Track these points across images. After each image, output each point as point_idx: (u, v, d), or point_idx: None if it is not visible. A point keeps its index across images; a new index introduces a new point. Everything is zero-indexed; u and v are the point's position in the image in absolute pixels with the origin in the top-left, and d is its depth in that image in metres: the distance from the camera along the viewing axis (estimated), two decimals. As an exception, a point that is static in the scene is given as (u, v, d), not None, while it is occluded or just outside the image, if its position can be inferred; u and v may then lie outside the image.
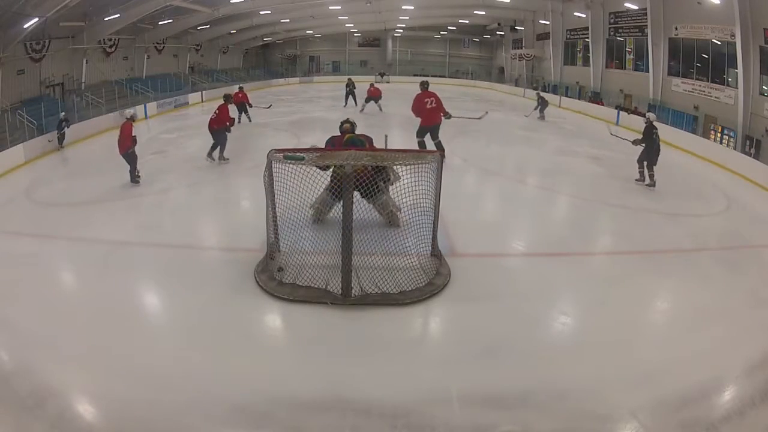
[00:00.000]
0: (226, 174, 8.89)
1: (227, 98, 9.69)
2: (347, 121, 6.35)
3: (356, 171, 4.82)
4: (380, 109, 16.48)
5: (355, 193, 4.97)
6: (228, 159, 9.38)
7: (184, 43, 23.86)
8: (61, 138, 11.44)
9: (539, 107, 16.23)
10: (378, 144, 6.21)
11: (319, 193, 5.25)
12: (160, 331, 4.16)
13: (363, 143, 5.82)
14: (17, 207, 7.28)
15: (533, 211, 7.28)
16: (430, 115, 8.64)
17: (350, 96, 17.58)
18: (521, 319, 4.23)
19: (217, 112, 9.17)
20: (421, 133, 8.78)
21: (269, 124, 14.31)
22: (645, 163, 8.26)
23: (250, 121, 14.23)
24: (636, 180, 8.41)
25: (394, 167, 5.61)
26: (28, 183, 8.57)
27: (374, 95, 16.58)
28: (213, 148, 9.28)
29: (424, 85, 8.86)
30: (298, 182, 4.70)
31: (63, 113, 11.90)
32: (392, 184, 5.80)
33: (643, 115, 8.99)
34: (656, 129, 8.18)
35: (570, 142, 12.62)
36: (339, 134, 6.21)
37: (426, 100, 8.62)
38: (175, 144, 11.64)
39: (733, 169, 10.12)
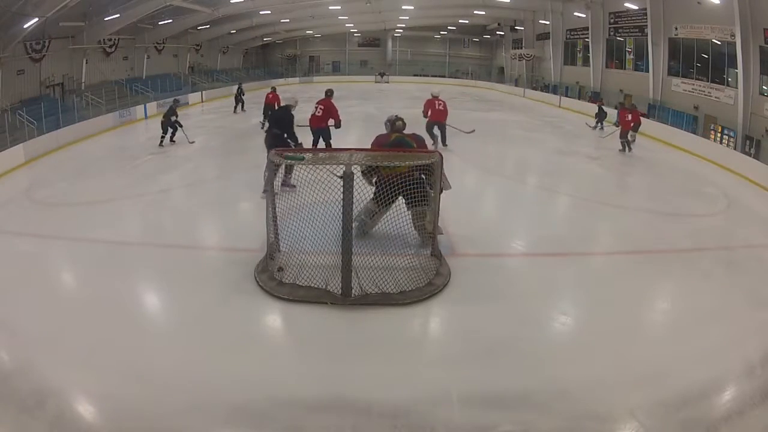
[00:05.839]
0: (226, 174, 8.89)
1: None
2: (399, 118, 5.70)
3: (403, 173, 4.75)
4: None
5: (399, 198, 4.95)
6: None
7: (184, 43, 23.83)
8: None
9: (598, 122, 14.37)
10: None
11: (365, 203, 5.03)
12: (160, 331, 4.16)
13: (411, 144, 5.43)
14: (17, 207, 7.27)
15: (533, 211, 7.28)
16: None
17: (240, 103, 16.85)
18: (521, 319, 4.23)
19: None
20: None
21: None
22: None
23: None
24: None
25: (446, 176, 5.15)
26: (28, 183, 8.57)
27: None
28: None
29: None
30: (298, 182, 4.70)
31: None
32: (440, 193, 5.15)
33: (645, 116, 9.02)
34: None
35: (569, 142, 12.61)
36: (385, 133, 5.72)
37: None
38: (175, 144, 11.62)
39: (733, 169, 10.12)
